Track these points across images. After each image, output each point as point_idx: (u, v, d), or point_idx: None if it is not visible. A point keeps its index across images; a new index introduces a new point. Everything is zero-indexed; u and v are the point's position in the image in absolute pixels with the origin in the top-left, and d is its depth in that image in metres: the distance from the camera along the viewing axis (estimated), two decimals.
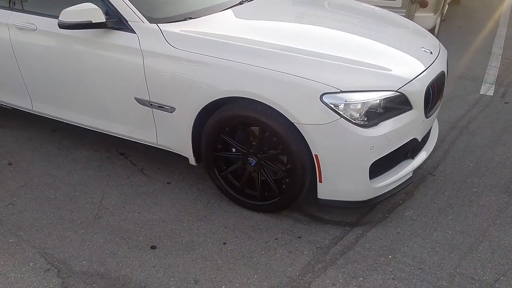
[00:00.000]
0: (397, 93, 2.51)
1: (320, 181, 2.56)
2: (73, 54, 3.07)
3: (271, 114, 2.51)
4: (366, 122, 2.44)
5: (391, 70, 2.58)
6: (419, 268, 2.41)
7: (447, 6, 7.23)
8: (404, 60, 2.75)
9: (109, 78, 3.01)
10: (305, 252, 2.55)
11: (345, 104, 2.40)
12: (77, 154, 3.60)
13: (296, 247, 2.59)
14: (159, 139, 3.05)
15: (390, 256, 2.50)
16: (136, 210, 2.94)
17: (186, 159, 2.99)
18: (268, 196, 2.83)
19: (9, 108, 3.81)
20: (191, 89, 2.70)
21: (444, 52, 3.10)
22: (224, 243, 2.63)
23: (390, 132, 2.49)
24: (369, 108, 2.45)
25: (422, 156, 2.91)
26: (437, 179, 3.17)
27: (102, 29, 2.90)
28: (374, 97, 2.44)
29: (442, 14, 6.66)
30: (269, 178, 2.75)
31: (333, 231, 2.71)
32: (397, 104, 2.54)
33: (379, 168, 2.59)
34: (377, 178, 2.62)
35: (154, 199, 3.05)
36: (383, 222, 2.77)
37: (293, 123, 2.47)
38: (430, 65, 2.77)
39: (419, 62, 2.76)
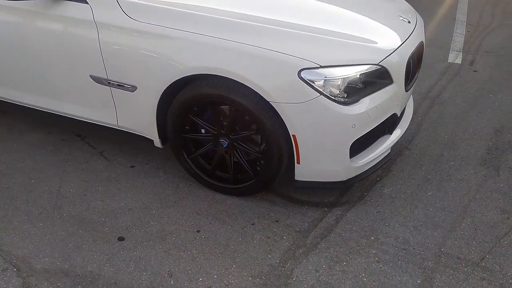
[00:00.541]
0: (378, 67, 2.35)
1: (298, 163, 2.41)
2: (19, 29, 2.73)
3: (244, 93, 2.31)
4: (347, 99, 2.29)
5: (372, 42, 2.42)
6: (403, 249, 2.34)
7: None
8: (382, 30, 2.59)
9: (60, 55, 2.70)
10: (284, 237, 2.42)
11: (325, 80, 2.23)
12: (30, 138, 3.29)
13: (274, 232, 2.45)
14: (120, 120, 2.80)
15: (372, 238, 2.41)
16: (98, 198, 2.71)
17: (150, 140, 2.76)
18: (241, 178, 2.66)
19: None
20: (154, 66, 2.45)
21: (420, 20, 2.96)
22: (198, 231, 2.46)
23: (372, 109, 2.35)
24: (348, 84, 2.29)
25: (399, 131, 2.80)
26: (413, 153, 3.10)
27: None
28: (355, 72, 2.28)
29: None
30: (242, 160, 2.58)
31: (312, 213, 2.59)
32: (377, 78, 2.39)
33: (358, 146, 2.46)
34: (356, 156, 2.50)
35: (118, 185, 2.82)
36: (362, 201, 2.67)
37: (268, 102, 2.28)
38: (410, 35, 2.63)
39: (398, 32, 2.61)
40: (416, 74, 2.84)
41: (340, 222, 2.52)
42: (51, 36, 2.67)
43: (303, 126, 2.29)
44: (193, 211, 2.60)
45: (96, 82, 2.68)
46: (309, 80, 2.21)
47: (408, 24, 2.73)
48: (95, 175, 2.91)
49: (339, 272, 2.21)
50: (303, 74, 2.21)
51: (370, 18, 2.66)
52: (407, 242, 2.38)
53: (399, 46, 2.49)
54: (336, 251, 2.32)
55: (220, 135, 2.55)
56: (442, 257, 2.29)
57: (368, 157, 2.55)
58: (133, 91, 2.60)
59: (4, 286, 2.15)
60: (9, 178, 2.87)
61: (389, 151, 2.71)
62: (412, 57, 2.57)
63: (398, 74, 2.47)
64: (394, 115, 2.60)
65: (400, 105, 2.64)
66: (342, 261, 2.26)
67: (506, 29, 5.58)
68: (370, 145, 2.58)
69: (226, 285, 2.14)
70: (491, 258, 2.27)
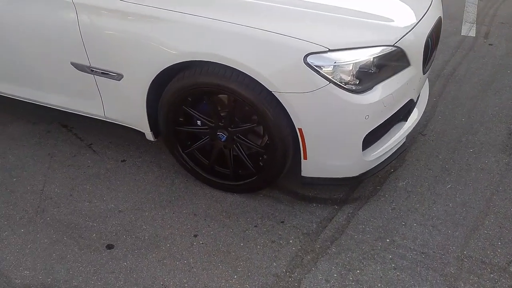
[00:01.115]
0: (394, 48, 2.07)
1: (305, 158, 2.16)
2: None
3: (244, 82, 2.04)
4: (359, 87, 2.02)
5: (386, 20, 2.13)
6: (422, 253, 2.11)
7: None
8: (396, 6, 2.30)
9: (37, 40, 2.42)
10: (291, 241, 2.19)
11: (334, 66, 1.95)
12: (12, 130, 3.03)
13: (280, 235, 2.22)
14: (107, 111, 2.53)
15: (387, 240, 2.18)
16: (86, 199, 2.47)
17: (142, 131, 2.50)
18: (242, 174, 2.41)
19: None
20: (142, 51, 2.17)
21: None
22: (195, 236, 2.23)
23: (387, 97, 2.08)
24: (360, 68, 2.01)
25: (415, 116, 2.54)
26: (429, 140, 2.84)
27: None
28: (368, 55, 2.01)
29: None
30: (243, 155, 2.32)
31: (320, 211, 2.35)
32: (393, 61, 2.12)
33: (371, 137, 2.20)
34: (368, 149, 2.24)
35: (107, 183, 2.57)
36: (375, 196, 2.43)
37: (271, 92, 2.01)
38: (427, 10, 2.33)
39: (414, 8, 2.32)
40: (434, 53, 2.55)
41: (352, 221, 2.28)
42: (26, 21, 2.39)
43: (310, 119, 2.03)
44: (190, 211, 2.37)
45: (78, 69, 2.41)
46: (316, 66, 1.94)
47: None
48: (82, 171, 2.67)
49: (352, 282, 1.99)
50: (309, 60, 1.93)
51: None
52: (426, 244, 2.15)
53: (416, 24, 2.20)
54: (348, 257, 2.10)
55: (218, 128, 2.29)
56: (465, 261, 2.07)
57: (382, 148, 2.30)
58: (119, 80, 2.33)
59: None
60: None
61: (404, 140, 2.45)
62: (430, 35, 2.28)
63: (416, 55, 2.19)
64: (411, 101, 2.34)
65: (417, 89, 2.37)
66: (355, 269, 2.04)
67: None
68: (384, 135, 2.32)
69: None
70: None
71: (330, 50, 1.94)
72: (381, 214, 2.32)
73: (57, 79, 2.55)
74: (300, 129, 2.07)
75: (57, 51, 2.40)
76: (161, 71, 2.18)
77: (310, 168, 2.20)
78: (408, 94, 2.26)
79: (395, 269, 2.04)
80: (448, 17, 4.54)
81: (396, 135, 2.38)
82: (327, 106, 2.00)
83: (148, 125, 2.44)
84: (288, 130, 2.10)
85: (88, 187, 2.55)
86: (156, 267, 2.07)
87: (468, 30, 4.28)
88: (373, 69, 2.06)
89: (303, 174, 2.24)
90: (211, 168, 2.46)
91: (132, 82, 2.30)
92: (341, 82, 1.97)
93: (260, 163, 2.34)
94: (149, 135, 2.50)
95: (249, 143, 2.28)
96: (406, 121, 2.46)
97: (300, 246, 2.16)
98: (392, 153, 2.38)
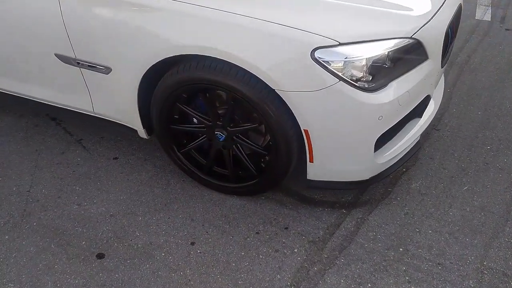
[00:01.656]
0: (411, 40, 1.87)
1: (311, 161, 1.98)
2: None
3: (244, 78, 1.84)
4: (372, 84, 1.82)
5: (403, 9, 1.92)
6: (438, 263, 1.94)
7: None
8: None
9: (18, 30, 2.22)
10: (296, 250, 2.02)
11: (345, 62, 1.75)
12: None
13: (284, 243, 2.05)
14: (96, 106, 2.34)
15: (401, 249, 2.01)
16: (75, 201, 2.30)
17: None
18: (243, 176, 2.23)
19: None
20: (133, 43, 1.97)
21: None
22: (192, 244, 2.06)
23: (403, 95, 1.88)
24: (373, 63, 1.81)
25: (429, 111, 2.33)
26: (443, 135, 2.65)
27: None
28: (383, 49, 1.80)
29: None
30: (243, 157, 2.14)
31: (327, 216, 2.18)
32: (409, 55, 1.91)
33: (383, 138, 2.01)
34: (380, 150, 2.05)
35: (98, 184, 2.40)
36: (386, 199, 2.26)
37: (273, 89, 1.81)
38: None
39: None
40: (453, 44, 2.34)
41: (362, 228, 2.11)
42: (7, 10, 2.18)
43: (317, 120, 1.84)
44: (187, 216, 2.20)
45: (63, 62, 2.21)
46: (325, 62, 1.74)
47: None
48: (71, 170, 2.49)
49: None
50: (317, 55, 1.73)
51: None
52: (443, 254, 1.98)
53: (436, 13, 1.99)
54: (358, 269, 1.93)
55: (215, 127, 2.10)
56: (485, 273, 1.90)
57: (394, 148, 2.11)
58: (107, 73, 2.13)
59: None
60: None
61: (418, 138, 2.26)
62: (450, 25, 2.07)
63: (435, 47, 1.98)
64: (427, 97, 2.14)
65: (435, 84, 2.18)
66: (366, 282, 1.88)
67: None
68: (397, 134, 2.13)
69: None
70: None
71: (340, 44, 1.74)
72: (393, 220, 2.14)
73: (41, 72, 2.35)
74: (306, 131, 1.88)
75: (40, 42, 2.20)
76: (153, 65, 1.98)
77: (316, 171, 2.02)
78: (425, 90, 2.07)
79: (409, 282, 1.87)
80: None
81: (410, 133, 2.19)
82: (336, 106, 1.80)
83: (140, 122, 2.25)
84: (292, 131, 1.91)
85: (77, 188, 2.38)
86: (150, 280, 1.91)
87: (483, 13, 4.04)
88: (388, 64, 1.86)
89: (309, 177, 2.06)
90: (209, 169, 2.28)
91: (121, 76, 2.11)
92: (352, 79, 1.77)
93: (262, 164, 2.16)
94: (142, 133, 2.31)
95: (250, 144, 2.09)
96: (421, 117, 2.27)
97: (306, 256, 1.99)
98: (406, 154, 2.19)
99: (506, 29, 3.74)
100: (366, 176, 2.05)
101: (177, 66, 1.97)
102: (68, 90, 2.34)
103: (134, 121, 2.27)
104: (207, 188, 2.32)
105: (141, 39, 1.94)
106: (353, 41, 1.76)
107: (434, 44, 1.97)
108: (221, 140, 2.11)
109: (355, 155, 1.95)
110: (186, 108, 2.10)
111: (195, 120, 2.17)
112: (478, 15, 4.00)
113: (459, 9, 2.22)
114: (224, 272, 1.94)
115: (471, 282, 1.87)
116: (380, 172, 2.09)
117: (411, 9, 1.93)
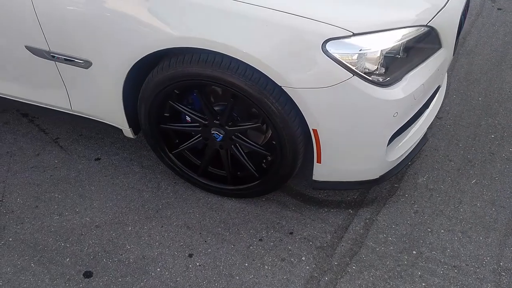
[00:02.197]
0: (427, 29, 1.71)
1: (319, 162, 1.81)
2: None
3: (245, 74, 1.64)
4: (386, 78, 1.66)
5: None
6: (454, 266, 1.83)
7: None
8: None
9: None
10: (303, 258, 1.87)
11: (359, 55, 1.58)
12: None
13: (290, 250, 1.90)
14: (74, 104, 2.11)
15: (414, 252, 1.89)
16: (55, 211, 2.07)
17: None
18: (242, 177, 2.06)
19: None
20: (118, 35, 1.74)
21: None
22: (190, 255, 1.89)
23: (418, 89, 1.73)
24: (386, 54, 1.65)
25: (438, 102, 2.20)
26: (446, 124, 2.53)
27: None
28: (399, 38, 1.64)
29: None
30: (243, 158, 1.96)
31: (333, 218, 2.03)
32: (424, 44, 1.76)
33: (394, 134, 1.86)
34: (389, 146, 1.90)
35: (79, 189, 2.18)
36: (394, 197, 2.13)
37: (280, 86, 1.63)
38: None
39: None
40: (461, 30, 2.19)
41: (371, 230, 1.98)
42: None
43: (328, 119, 1.67)
44: (182, 223, 2.01)
45: (36, 55, 1.96)
46: (337, 55, 1.56)
47: None
48: (48, 174, 2.25)
49: None
50: (329, 47, 1.55)
51: None
52: (457, 255, 1.87)
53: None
54: (372, 276, 1.80)
55: (212, 126, 1.91)
56: (503, 275, 1.81)
57: (403, 144, 1.97)
58: (87, 68, 1.90)
59: None
60: None
61: (425, 130, 2.12)
62: (464, 11, 1.92)
63: (449, 35, 1.83)
64: (438, 88, 2.00)
65: (445, 73, 2.03)
66: None
67: None
68: (407, 129, 1.98)
69: None
70: None
71: (354, 34, 1.56)
72: (403, 219, 2.02)
73: (12, 65, 2.09)
74: (315, 130, 1.70)
75: (8, 33, 1.94)
76: (141, 59, 1.76)
77: (323, 172, 1.87)
78: (438, 80, 1.92)
79: None
80: None
81: (416, 126, 2.05)
82: (349, 103, 1.63)
83: (126, 120, 2.03)
84: (299, 131, 1.74)
85: (56, 195, 2.15)
86: None
87: None
88: (401, 54, 1.70)
89: (315, 178, 1.90)
90: (204, 170, 2.09)
91: (103, 70, 1.88)
92: (366, 73, 1.61)
93: (264, 165, 1.99)
94: (128, 132, 2.10)
95: (251, 144, 1.91)
96: (428, 107, 2.13)
97: (315, 264, 1.85)
98: (414, 149, 2.06)
99: (498, 9, 3.62)
100: (376, 175, 1.91)
101: (167, 60, 1.76)
102: (43, 86, 2.09)
103: (118, 119, 2.05)
104: (203, 190, 2.14)
105: (128, 30, 1.71)
106: (368, 31, 1.58)
107: (448, 31, 1.81)
108: (218, 140, 1.92)
109: (367, 154, 1.80)
110: (179, 106, 1.90)
111: (188, 118, 1.97)
112: None
113: None
114: (228, 287, 1.77)
115: (489, 285, 1.77)
116: (390, 170, 1.95)
117: None
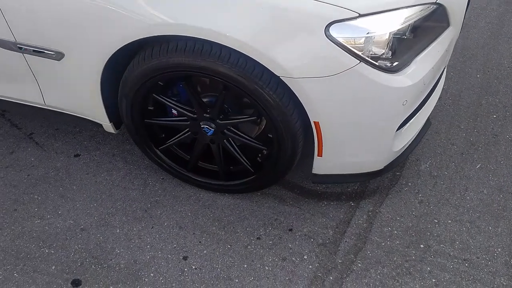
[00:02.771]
0: (436, 6, 1.56)
1: (320, 155, 1.68)
2: None
3: (238, 63, 1.48)
4: (395, 62, 1.51)
5: None
6: (464, 260, 1.74)
7: None
8: None
9: None
10: (305, 257, 1.76)
11: (366, 38, 1.43)
12: None
13: (290, 248, 1.78)
14: (47, 98, 1.92)
15: (422, 246, 1.79)
16: (35, 214, 1.91)
17: None
18: (235, 172, 1.91)
19: None
20: (90, 23, 1.55)
21: None
22: (185, 258, 1.76)
23: (428, 73, 1.59)
24: (393, 35, 1.50)
25: (440, 84, 2.07)
26: (445, 105, 2.41)
27: None
28: (407, 18, 1.49)
29: None
30: (236, 152, 1.81)
31: (334, 211, 1.92)
32: (432, 23, 1.61)
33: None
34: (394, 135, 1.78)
35: (60, 189, 2.01)
36: (397, 186, 2.02)
37: (278, 76, 1.47)
38: None
39: None
40: None
41: (375, 223, 1.87)
42: None
43: (331, 111, 1.53)
44: (173, 223, 1.87)
45: (1, 46, 1.76)
46: (342, 40, 1.41)
47: None
48: (25, 174, 2.08)
49: None
50: (332, 31, 1.40)
51: None
52: (467, 247, 1.78)
53: None
54: (379, 274, 1.70)
55: (201, 119, 1.75)
56: None
57: (407, 132, 1.84)
58: (59, 60, 1.71)
59: None
60: None
61: (428, 114, 2.00)
62: None
63: (458, 12, 1.69)
64: (444, 69, 1.87)
65: (450, 53, 1.90)
66: None
67: None
68: (412, 117, 1.85)
69: None
70: None
71: (360, 15, 1.40)
72: (408, 210, 1.91)
73: None
74: (316, 123, 1.56)
75: None
76: (119, 49, 1.58)
77: (324, 165, 1.74)
78: (445, 62, 1.79)
79: (436, 285, 1.67)
80: None
81: (420, 110, 1.92)
82: (355, 93, 1.49)
83: (106, 115, 1.86)
84: (299, 124, 1.60)
85: (36, 196, 1.98)
86: None
87: None
88: (408, 34, 1.56)
89: (314, 171, 1.77)
90: (194, 166, 1.94)
91: (78, 62, 1.69)
92: (373, 59, 1.46)
93: (259, 159, 1.85)
94: (109, 127, 1.93)
95: (245, 138, 1.76)
96: (433, 91, 1.99)
97: (318, 262, 1.74)
98: (418, 134, 1.93)
99: None
100: (380, 166, 1.79)
101: (149, 49, 1.58)
102: (11, 80, 1.90)
103: (98, 114, 1.88)
104: (193, 186, 1.99)
105: (104, 17, 1.52)
106: (375, 11, 1.43)
107: (457, 8, 1.67)
108: (209, 134, 1.77)
109: (373, 146, 1.67)
110: (164, 99, 1.73)
111: (175, 112, 1.80)
112: None
113: None
114: None
115: (502, 279, 1.69)
116: (394, 159, 1.83)
117: None
